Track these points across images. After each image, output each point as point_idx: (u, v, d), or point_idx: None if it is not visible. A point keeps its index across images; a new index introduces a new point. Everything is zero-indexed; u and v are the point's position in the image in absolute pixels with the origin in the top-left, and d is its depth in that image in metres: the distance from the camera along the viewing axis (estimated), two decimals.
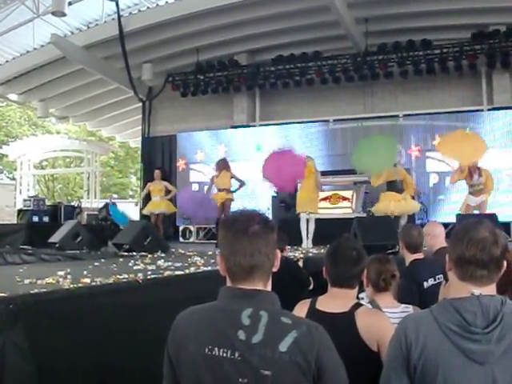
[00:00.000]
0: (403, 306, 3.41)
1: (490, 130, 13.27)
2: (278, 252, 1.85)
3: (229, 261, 1.78)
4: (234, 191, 11.55)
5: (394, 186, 9.97)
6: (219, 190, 11.28)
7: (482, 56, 13.20)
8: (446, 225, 7.91)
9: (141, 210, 16.48)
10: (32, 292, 3.55)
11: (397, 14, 13.35)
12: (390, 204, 9.91)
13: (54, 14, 12.90)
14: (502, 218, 9.78)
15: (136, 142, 22.01)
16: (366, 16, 13.46)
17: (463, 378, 1.72)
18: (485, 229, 1.85)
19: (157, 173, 12.69)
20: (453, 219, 9.81)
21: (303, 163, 10.02)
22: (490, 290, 1.83)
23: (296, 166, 9.93)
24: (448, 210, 12.96)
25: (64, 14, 12.86)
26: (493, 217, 8.38)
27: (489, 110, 13.76)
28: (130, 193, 36.80)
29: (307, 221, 9.84)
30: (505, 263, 1.85)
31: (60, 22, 14.53)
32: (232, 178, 11.47)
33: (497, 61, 13.15)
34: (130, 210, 20.46)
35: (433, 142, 13.78)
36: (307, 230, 9.81)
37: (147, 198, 13.14)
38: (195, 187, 16.10)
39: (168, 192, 12.62)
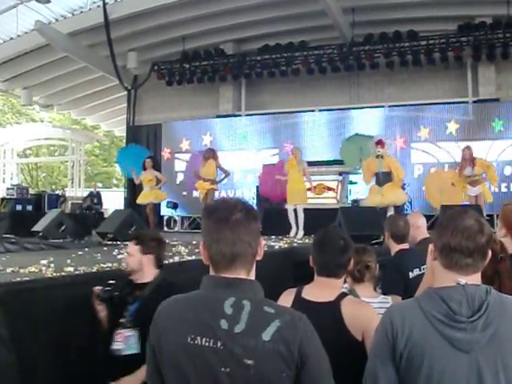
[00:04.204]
0: (382, 296, 3.42)
1: (475, 122, 13.35)
2: (262, 240, 1.83)
3: (211, 249, 1.76)
4: (219, 181, 11.51)
5: (377, 179, 10.00)
6: (204, 180, 11.22)
7: (467, 48, 13.25)
8: (430, 216, 7.99)
9: (125, 198, 16.49)
10: (14, 281, 3.52)
11: (384, 5, 13.36)
12: (367, 197, 10.24)
13: (38, 0, 12.76)
14: (486, 209, 9.88)
15: (121, 131, 21.88)
16: (353, 6, 13.46)
17: (448, 366, 1.72)
18: (470, 217, 1.85)
19: (148, 161, 12.57)
20: (436, 210, 9.88)
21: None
22: (476, 278, 1.83)
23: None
24: None
25: (48, 1, 12.77)
26: (477, 208, 8.44)
27: (474, 101, 13.83)
28: (115, 182, 36.64)
29: (294, 211, 9.84)
30: (489, 252, 1.85)
31: (44, 9, 14.35)
32: (217, 167, 11.41)
33: (482, 53, 13.21)
34: (116, 199, 20.42)
35: (418, 133, 13.84)
36: (296, 220, 9.82)
37: (139, 187, 12.99)
38: (180, 177, 16.08)
39: (158, 181, 12.53)
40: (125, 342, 3.20)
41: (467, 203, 10.15)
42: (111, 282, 3.48)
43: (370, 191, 10.25)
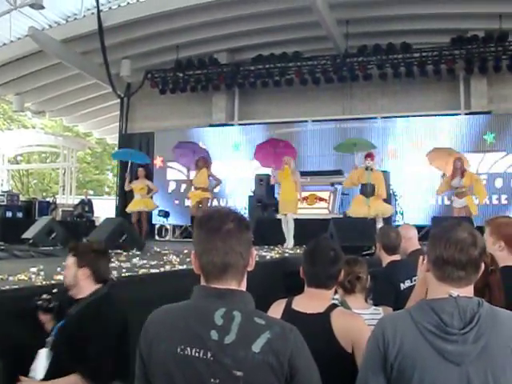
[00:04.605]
0: (373, 308, 3.42)
1: (467, 135, 13.41)
2: (254, 251, 1.82)
3: (202, 259, 1.75)
4: (211, 190, 11.51)
5: (364, 190, 10.12)
6: (195, 189, 11.22)
7: (460, 61, 13.36)
8: (421, 227, 8.00)
9: (117, 207, 16.42)
10: (3, 289, 3.49)
11: (378, 17, 13.43)
12: (352, 207, 10.33)
13: (31, 6, 12.75)
14: (476, 221, 9.88)
15: (113, 139, 21.84)
16: (347, 18, 13.53)
17: (439, 378, 1.72)
18: (463, 230, 1.86)
19: (140, 171, 12.54)
20: (428, 221, 9.91)
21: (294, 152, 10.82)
22: (468, 291, 1.83)
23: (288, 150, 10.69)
24: (424, 212, 13.07)
25: (42, 7, 12.71)
26: (469, 220, 8.47)
27: (466, 114, 13.91)
28: (106, 189, 36.54)
29: (287, 221, 9.87)
30: (483, 265, 1.86)
31: (38, 15, 14.34)
32: (209, 176, 11.41)
33: (475, 66, 13.32)
34: (108, 207, 20.35)
35: (410, 145, 13.89)
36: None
37: (129, 194, 12.95)
38: (172, 185, 16.05)
39: (150, 191, 12.51)
40: (35, 363, 2.89)
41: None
42: (54, 291, 3.30)
43: (356, 201, 10.39)
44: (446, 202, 12.17)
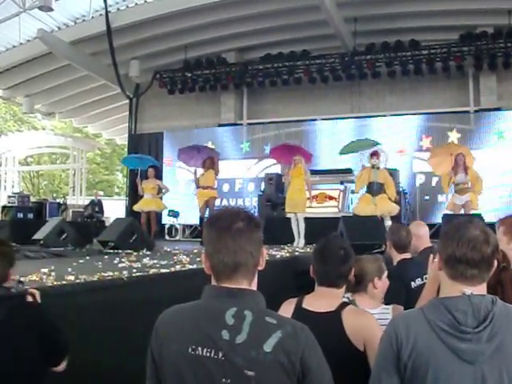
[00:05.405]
0: (382, 306, 3.40)
1: (477, 132, 13.35)
2: (264, 250, 1.82)
3: (213, 259, 1.75)
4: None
5: (371, 188, 10.08)
6: (203, 188, 11.21)
7: (469, 57, 13.28)
8: (432, 225, 7.96)
9: (127, 207, 16.45)
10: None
11: (385, 15, 13.38)
12: (359, 206, 10.30)
13: (40, 8, 12.78)
14: (487, 218, 9.84)
15: (123, 139, 21.91)
16: (355, 16, 13.49)
17: (453, 377, 1.71)
18: (475, 227, 1.84)
19: (150, 171, 12.57)
20: (439, 219, 9.86)
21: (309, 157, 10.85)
22: (481, 289, 1.82)
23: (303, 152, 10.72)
24: (434, 210, 13.02)
25: (51, 9, 12.74)
26: (479, 217, 8.40)
27: (475, 111, 13.83)
28: (116, 190, 36.63)
29: (297, 220, 9.86)
30: (495, 262, 1.84)
31: (47, 17, 14.41)
32: (216, 175, 11.43)
33: (484, 62, 13.24)
34: (118, 207, 20.39)
35: (419, 143, 13.84)
36: (298, 229, 9.81)
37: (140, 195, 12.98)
38: (182, 185, 16.06)
39: (160, 190, 12.53)
40: None
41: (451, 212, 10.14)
42: None
43: (362, 200, 10.36)
44: None
